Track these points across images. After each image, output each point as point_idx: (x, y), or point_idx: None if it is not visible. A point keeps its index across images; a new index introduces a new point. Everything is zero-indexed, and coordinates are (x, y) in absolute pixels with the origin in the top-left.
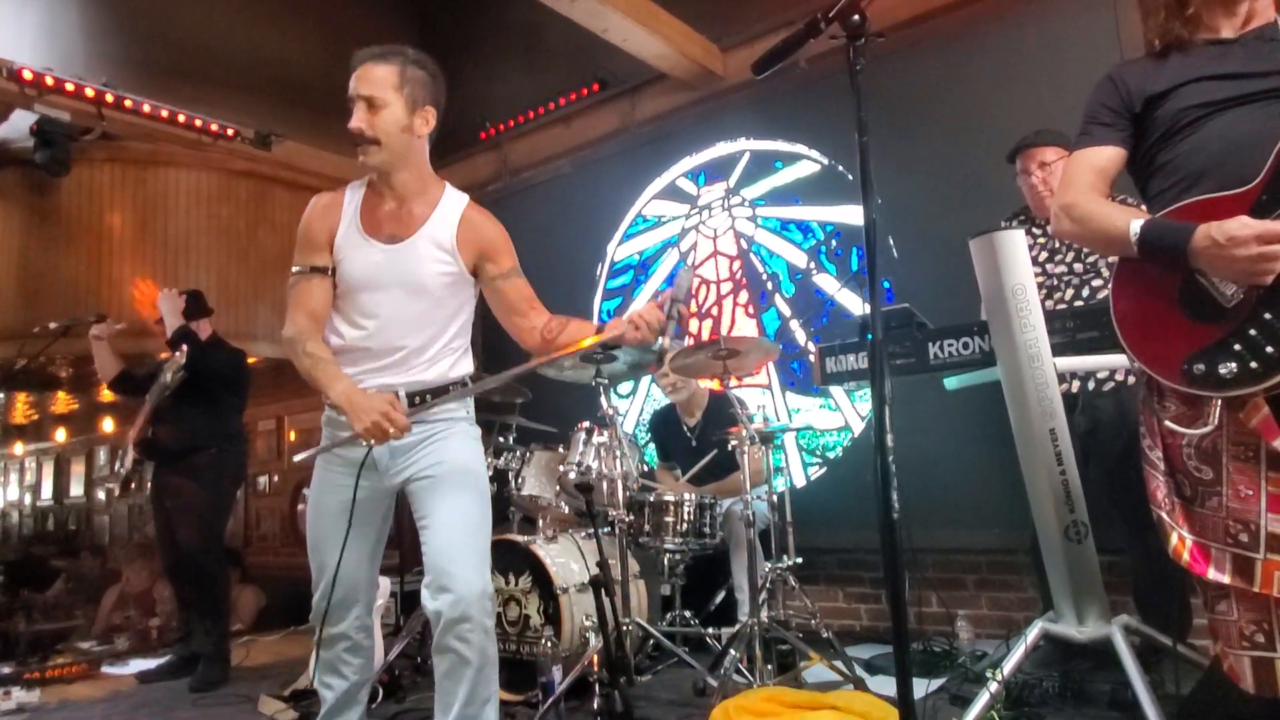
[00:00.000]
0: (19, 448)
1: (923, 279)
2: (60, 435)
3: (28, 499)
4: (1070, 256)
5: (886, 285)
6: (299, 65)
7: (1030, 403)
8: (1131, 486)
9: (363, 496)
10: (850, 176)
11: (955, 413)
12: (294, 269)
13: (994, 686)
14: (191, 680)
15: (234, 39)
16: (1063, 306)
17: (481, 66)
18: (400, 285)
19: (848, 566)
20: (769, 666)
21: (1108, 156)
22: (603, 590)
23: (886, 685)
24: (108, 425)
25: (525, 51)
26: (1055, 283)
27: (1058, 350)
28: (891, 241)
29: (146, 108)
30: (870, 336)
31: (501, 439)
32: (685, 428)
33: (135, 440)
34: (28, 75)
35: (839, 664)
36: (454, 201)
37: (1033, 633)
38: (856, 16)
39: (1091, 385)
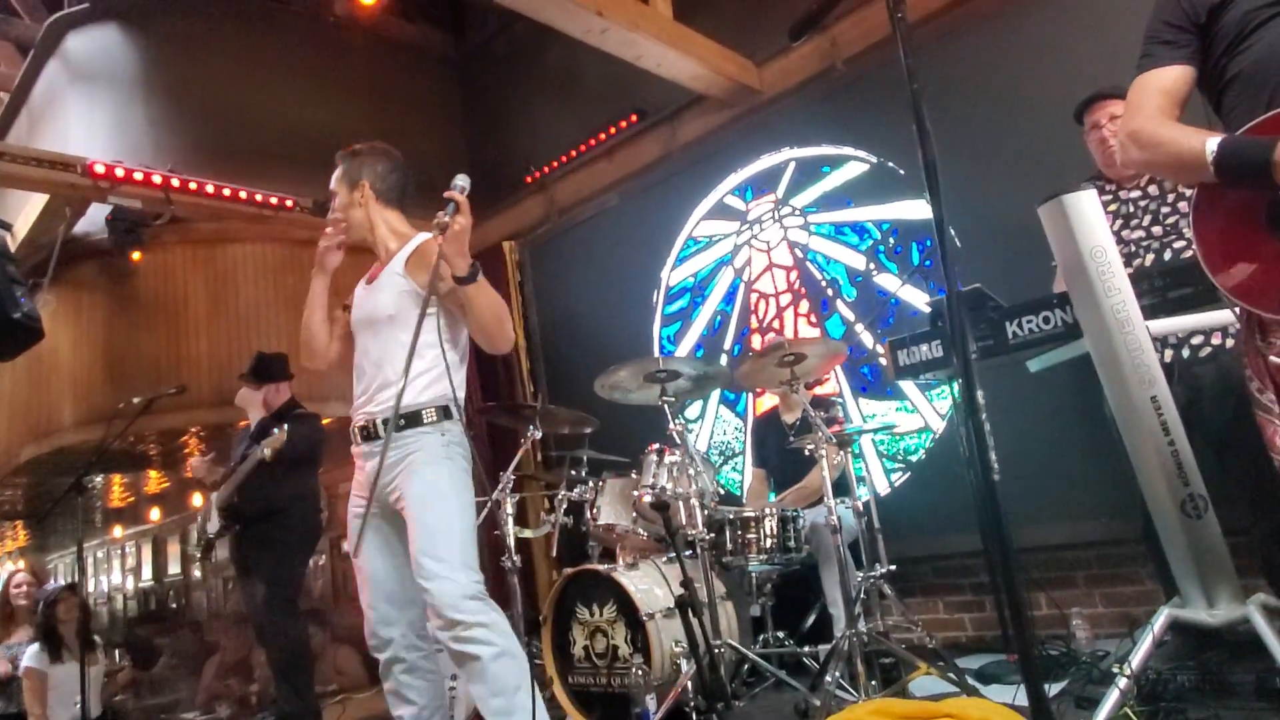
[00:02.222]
0: (118, 531)
1: (988, 265)
2: (155, 515)
3: (130, 581)
4: (1147, 220)
5: None
6: (349, 131)
7: (1126, 372)
8: (1245, 455)
9: (378, 521)
10: (902, 171)
11: (1040, 398)
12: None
13: (1123, 683)
14: None
15: (286, 114)
16: None
17: (522, 113)
18: (370, 314)
19: (945, 575)
20: (873, 682)
21: (1174, 77)
22: (690, 611)
23: (1001, 694)
24: (197, 500)
25: (563, 92)
26: (1133, 249)
27: (1148, 313)
28: (952, 231)
29: (210, 188)
30: (942, 320)
31: (573, 471)
32: (784, 425)
33: (221, 506)
34: (99, 169)
35: (949, 674)
36: (417, 239)
37: (1160, 621)
38: None
39: (1187, 353)
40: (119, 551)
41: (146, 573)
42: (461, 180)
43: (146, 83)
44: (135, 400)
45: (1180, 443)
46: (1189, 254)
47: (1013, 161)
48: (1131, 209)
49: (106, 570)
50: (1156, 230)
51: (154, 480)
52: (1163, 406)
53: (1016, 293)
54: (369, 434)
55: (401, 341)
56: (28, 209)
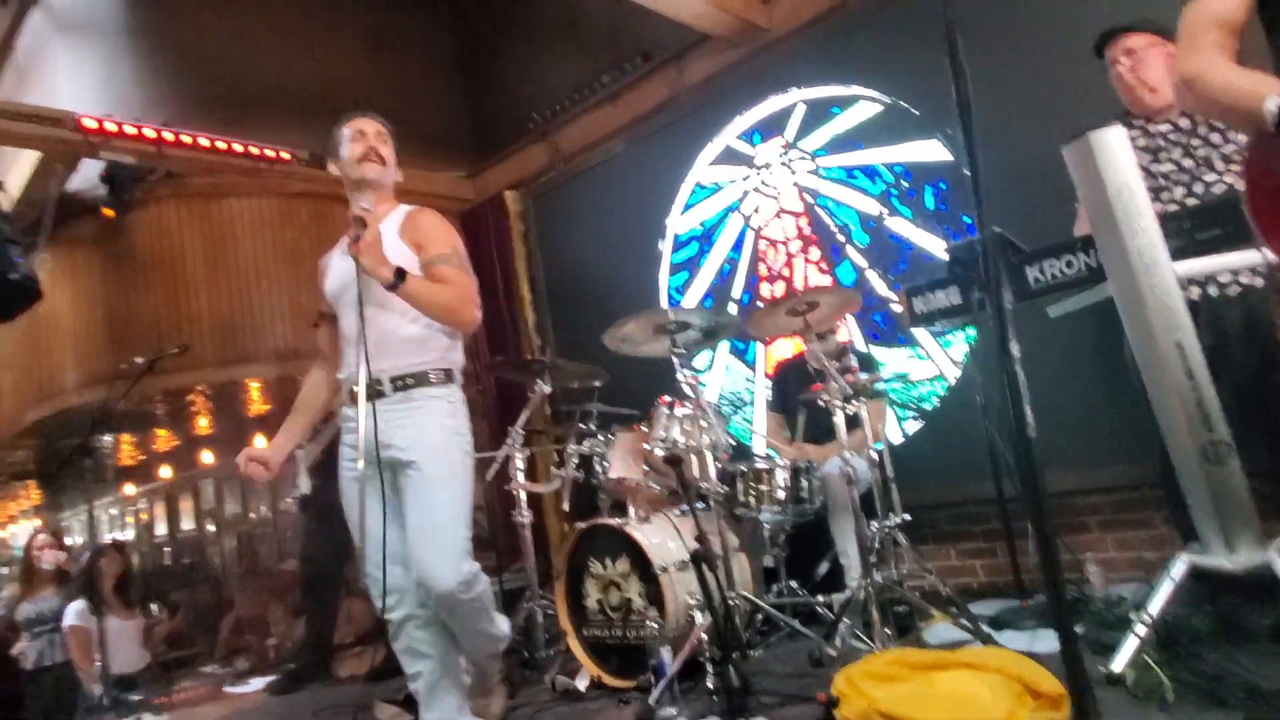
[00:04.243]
0: (129, 489)
1: (1005, 208)
2: (165, 473)
3: (144, 537)
4: (1178, 153)
5: (967, 220)
6: (343, 77)
7: (1150, 315)
8: (1271, 399)
9: (368, 474)
10: (916, 111)
11: (1054, 341)
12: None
13: (1141, 629)
14: None
15: (278, 63)
16: (1174, 207)
17: (521, 59)
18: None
19: (957, 522)
20: (887, 630)
21: (1231, 4)
22: (704, 565)
23: (1014, 640)
24: (207, 458)
25: (564, 35)
26: (1162, 183)
27: (1175, 255)
28: (967, 173)
29: (204, 141)
30: (961, 266)
31: (582, 425)
32: (810, 373)
33: (311, 466)
34: (89, 123)
35: (963, 621)
36: (403, 208)
37: (1178, 567)
38: None
39: (1214, 291)
40: (132, 509)
41: (160, 529)
42: (364, 202)
43: (134, 32)
44: (138, 361)
45: (1204, 388)
46: (1220, 187)
47: (1032, 97)
48: (1161, 142)
49: (120, 527)
50: (1187, 163)
51: (163, 438)
52: (1187, 352)
53: (1036, 236)
54: (374, 392)
55: (400, 304)
56: (20, 166)
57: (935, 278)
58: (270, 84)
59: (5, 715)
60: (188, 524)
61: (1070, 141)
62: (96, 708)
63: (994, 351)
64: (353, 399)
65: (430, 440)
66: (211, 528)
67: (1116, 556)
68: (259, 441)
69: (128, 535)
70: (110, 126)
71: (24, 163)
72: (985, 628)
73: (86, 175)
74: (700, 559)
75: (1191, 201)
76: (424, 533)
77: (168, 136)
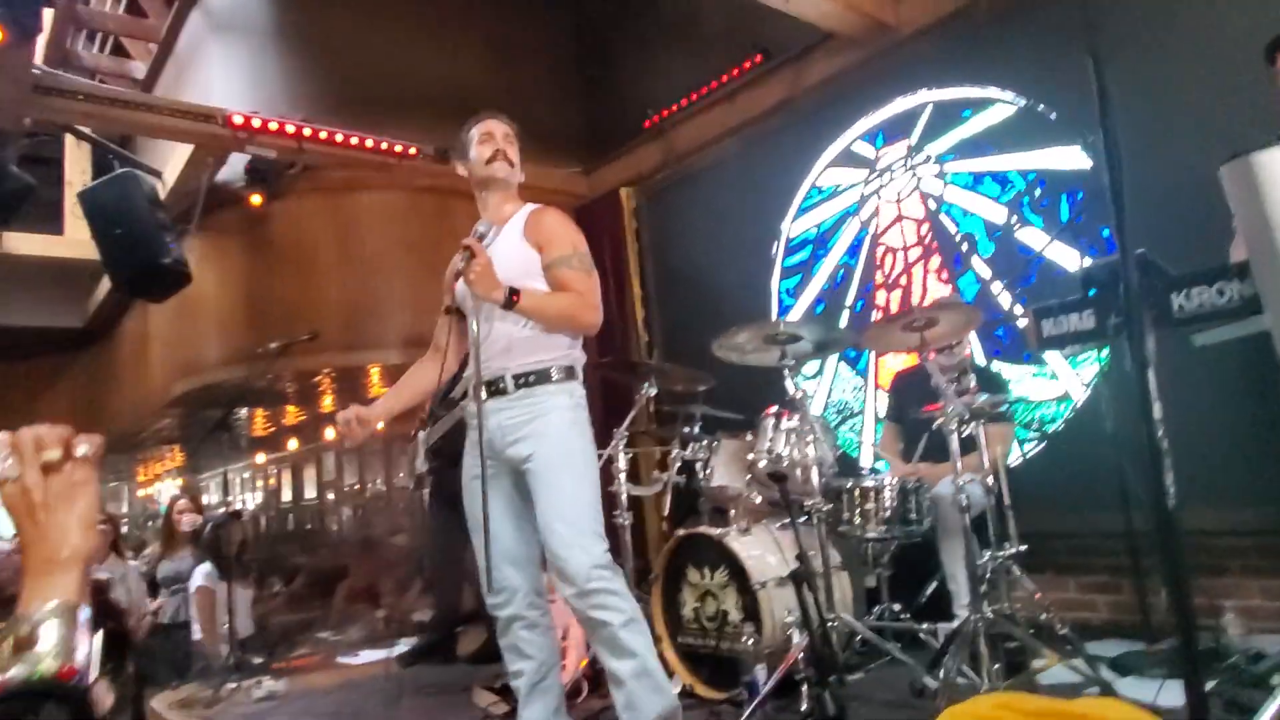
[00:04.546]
0: (260, 457)
1: (1152, 225)
2: (292, 444)
3: (271, 502)
4: None
5: (1105, 233)
6: (468, 77)
7: None
8: None
9: (491, 474)
10: (1053, 115)
11: (1205, 372)
12: None
13: None
14: None
15: (408, 64)
16: None
17: (639, 56)
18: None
19: (1078, 553)
20: (996, 667)
21: None
22: (804, 585)
23: (1137, 689)
24: (330, 434)
25: (682, 33)
26: None
27: None
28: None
29: (339, 137)
30: (1097, 288)
31: (686, 429)
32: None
33: (430, 448)
34: (237, 120)
35: (1079, 663)
36: (528, 207)
37: None
38: None
39: None
40: (261, 475)
41: (286, 495)
42: (481, 226)
43: (280, 33)
44: (272, 345)
45: None
46: None
47: (1184, 106)
48: None
49: (251, 489)
50: None
51: (291, 413)
52: None
53: (1185, 257)
54: (496, 390)
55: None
56: (174, 158)
57: (1067, 298)
58: (400, 83)
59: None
60: (310, 492)
61: (1229, 161)
62: (224, 668)
63: (1129, 378)
64: (486, 392)
65: (555, 434)
66: (331, 496)
67: (1261, 605)
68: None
69: (257, 498)
70: (256, 123)
71: (179, 155)
72: (1105, 672)
73: (234, 167)
74: (800, 578)
75: None
76: (553, 517)
77: (306, 132)
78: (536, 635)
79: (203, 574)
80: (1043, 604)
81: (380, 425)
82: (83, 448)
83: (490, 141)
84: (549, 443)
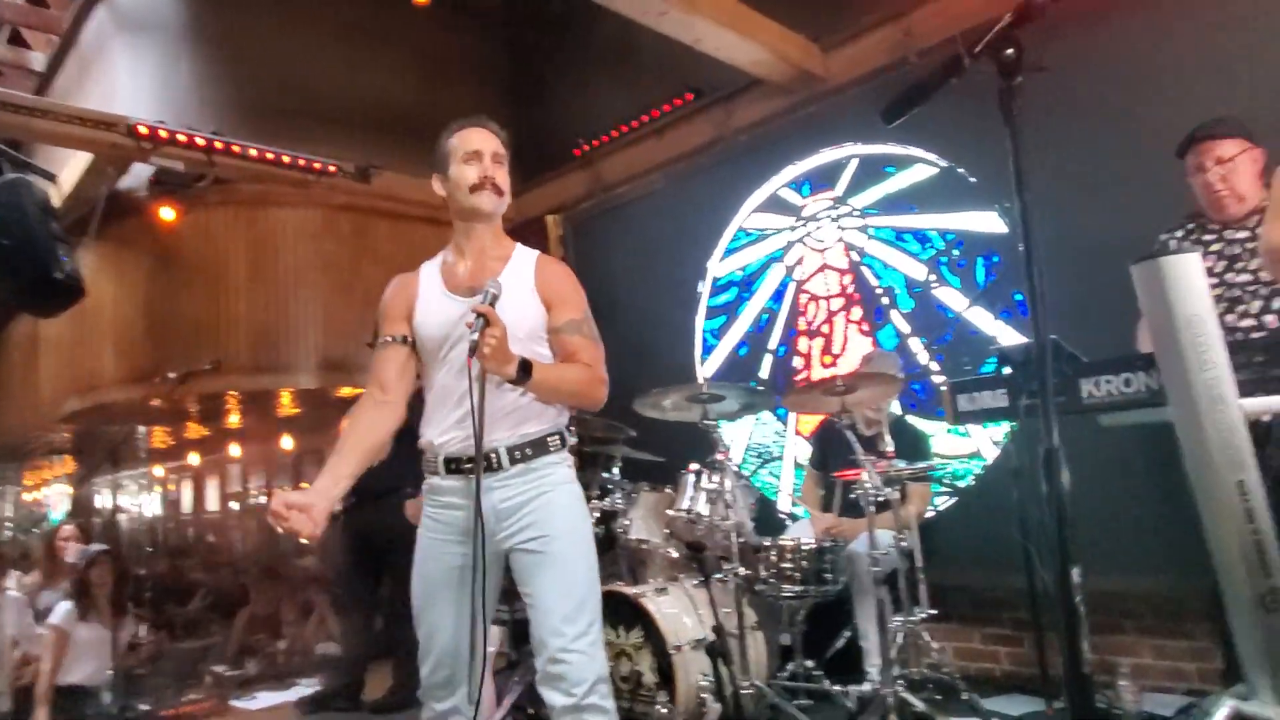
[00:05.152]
0: (159, 469)
1: (1061, 290)
2: (194, 459)
3: (170, 513)
4: (1255, 264)
5: (1018, 298)
6: (394, 98)
7: (1213, 453)
8: None
9: (466, 563)
10: (973, 179)
11: (1106, 439)
12: (377, 339)
13: None
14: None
15: (331, 77)
16: (1248, 322)
17: (571, 84)
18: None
19: (984, 606)
20: None
21: None
22: (719, 659)
23: None
24: (235, 450)
25: (615, 65)
26: (1238, 294)
27: (1244, 389)
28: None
29: (253, 151)
30: (1007, 370)
31: (606, 473)
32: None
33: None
34: (143, 130)
35: None
36: (526, 253)
37: (1222, 711)
38: (1010, 50)
39: None
40: (160, 484)
41: (187, 505)
42: (492, 287)
43: (192, 36)
44: (171, 376)
45: (1265, 531)
46: None
47: (1106, 182)
48: (1238, 250)
49: (148, 499)
50: (1265, 275)
51: (194, 429)
52: (1250, 493)
53: (1092, 323)
54: (492, 465)
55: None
56: (74, 161)
57: (981, 369)
58: (322, 96)
59: None
60: (213, 504)
61: (1140, 262)
62: (105, 714)
63: (1035, 445)
64: (449, 470)
65: (563, 513)
66: (236, 507)
67: (1153, 664)
68: (285, 443)
69: (154, 507)
70: (162, 133)
71: (78, 158)
72: None
73: (138, 174)
74: (715, 652)
75: (1270, 316)
76: (559, 616)
77: (217, 145)
78: None
79: (60, 612)
80: (948, 673)
81: (332, 510)
82: None
83: (477, 163)
84: (559, 526)
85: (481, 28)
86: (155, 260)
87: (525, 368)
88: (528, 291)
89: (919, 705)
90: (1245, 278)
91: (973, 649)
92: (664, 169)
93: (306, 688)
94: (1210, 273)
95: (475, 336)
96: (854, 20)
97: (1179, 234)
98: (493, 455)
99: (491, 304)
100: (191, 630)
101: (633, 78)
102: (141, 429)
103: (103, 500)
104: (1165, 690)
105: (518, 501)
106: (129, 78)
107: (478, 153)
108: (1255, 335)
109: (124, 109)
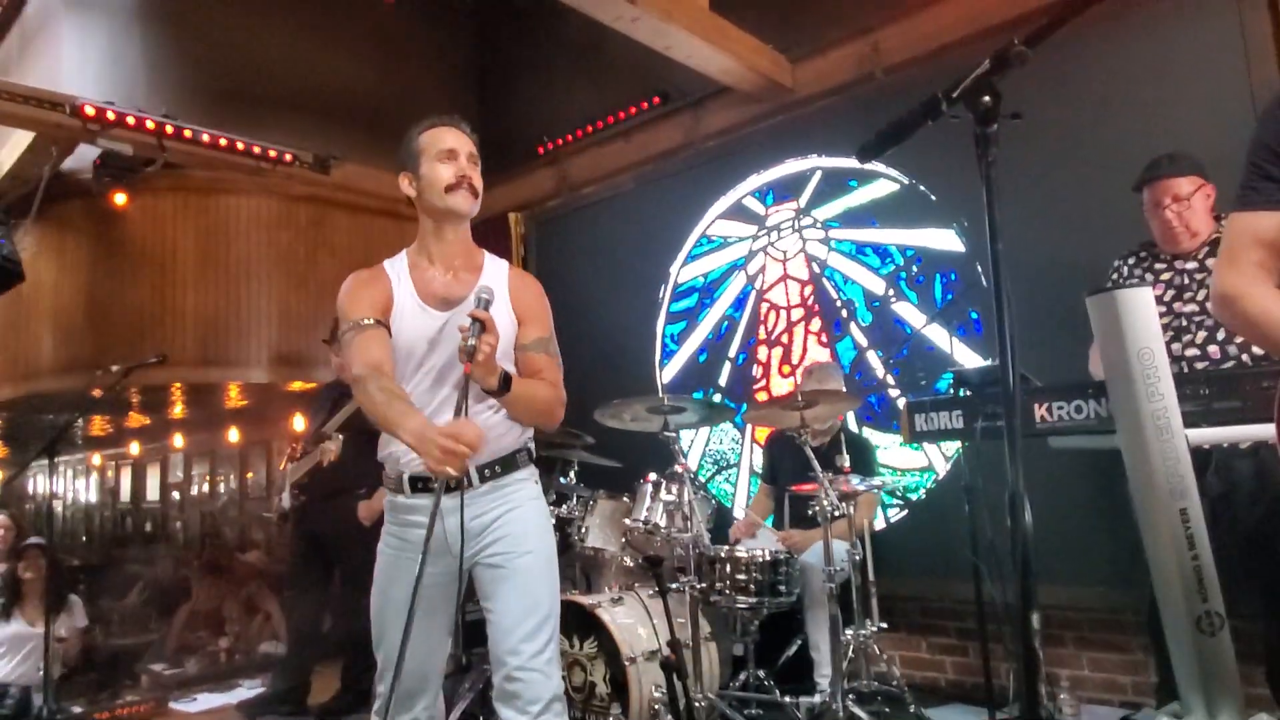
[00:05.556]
0: (97, 458)
1: (1016, 308)
2: (134, 449)
3: (108, 501)
4: (1202, 295)
5: (974, 316)
6: (356, 86)
7: (1158, 480)
8: (1271, 555)
9: (431, 582)
10: (933, 197)
11: (1053, 458)
12: (346, 326)
13: None
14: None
15: (291, 63)
16: (1193, 351)
17: (539, 82)
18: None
19: (931, 615)
20: None
21: (1276, 226)
22: (675, 675)
23: None
24: (179, 441)
25: (584, 65)
26: (1184, 323)
27: (1189, 420)
28: (979, 269)
29: (206, 137)
30: (965, 392)
31: (563, 479)
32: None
33: (296, 483)
34: (90, 111)
35: None
36: (498, 264)
37: None
38: (987, 98)
39: (1227, 444)
40: (98, 472)
41: (125, 495)
42: (486, 294)
43: (143, 14)
44: (114, 369)
45: (1204, 557)
46: (1241, 340)
47: (1060, 207)
48: (1186, 280)
49: (85, 487)
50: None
51: (135, 418)
52: (1191, 520)
53: (1045, 344)
54: (463, 483)
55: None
56: (14, 139)
57: (939, 398)
58: (280, 82)
59: None
60: (153, 494)
61: (1095, 294)
62: (34, 718)
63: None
64: (415, 489)
65: (532, 530)
66: (176, 497)
67: (1089, 676)
68: (232, 435)
69: (90, 495)
70: (110, 115)
71: (18, 137)
72: None
73: (82, 155)
74: (671, 668)
75: (1213, 347)
76: (519, 634)
77: (168, 129)
78: None
79: None
80: (898, 686)
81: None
82: None
83: (452, 163)
84: (523, 541)
85: (449, 16)
86: (99, 245)
87: (506, 380)
88: (503, 305)
89: (866, 719)
90: (1192, 308)
91: (920, 658)
92: (630, 171)
93: (249, 690)
94: (1160, 300)
95: (473, 341)
96: (823, 34)
97: (1131, 261)
98: (464, 474)
99: (485, 309)
100: (129, 626)
101: (600, 77)
102: (80, 420)
103: (36, 487)
104: (1102, 703)
105: (487, 519)
106: (75, 55)
107: (452, 151)
108: (1199, 365)
109: (70, 88)
